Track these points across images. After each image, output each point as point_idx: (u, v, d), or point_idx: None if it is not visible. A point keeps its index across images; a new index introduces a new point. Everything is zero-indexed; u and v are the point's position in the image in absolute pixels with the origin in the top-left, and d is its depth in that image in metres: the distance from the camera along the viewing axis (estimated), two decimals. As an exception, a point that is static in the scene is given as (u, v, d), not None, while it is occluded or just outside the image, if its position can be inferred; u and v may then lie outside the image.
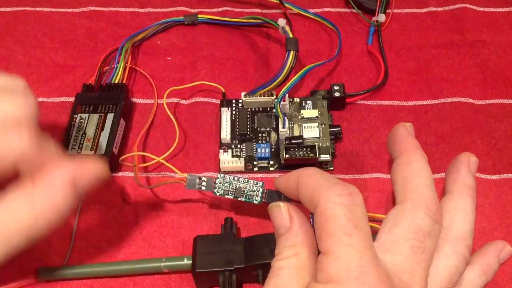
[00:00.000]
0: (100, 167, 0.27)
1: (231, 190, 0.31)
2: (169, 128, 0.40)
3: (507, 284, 0.33)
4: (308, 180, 0.25)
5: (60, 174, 0.25)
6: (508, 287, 0.33)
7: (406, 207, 0.25)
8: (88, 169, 0.27)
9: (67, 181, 0.25)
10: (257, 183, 0.31)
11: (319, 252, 0.23)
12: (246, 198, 0.31)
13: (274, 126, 0.39)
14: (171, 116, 0.37)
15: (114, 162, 0.37)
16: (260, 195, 0.31)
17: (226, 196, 0.31)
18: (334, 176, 0.25)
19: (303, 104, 0.39)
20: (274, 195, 0.29)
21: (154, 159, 0.35)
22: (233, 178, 0.32)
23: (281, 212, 0.27)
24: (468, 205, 0.27)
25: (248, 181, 0.31)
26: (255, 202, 0.31)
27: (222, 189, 0.31)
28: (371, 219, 0.34)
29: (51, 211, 0.25)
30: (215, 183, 0.32)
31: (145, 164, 0.36)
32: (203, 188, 0.32)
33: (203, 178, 0.32)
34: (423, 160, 0.27)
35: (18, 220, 0.25)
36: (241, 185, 0.31)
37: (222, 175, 0.32)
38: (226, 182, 0.31)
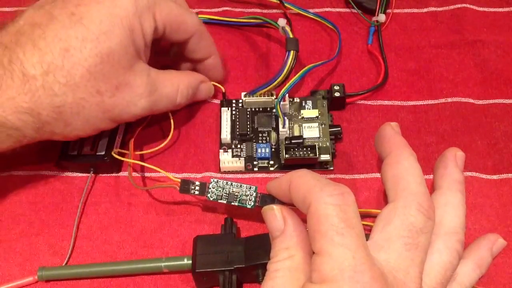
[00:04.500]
0: (211, 91, 0.41)
1: (224, 195, 0.31)
2: (168, 127, 0.39)
3: (507, 284, 0.33)
4: (300, 182, 0.25)
5: (194, 77, 0.38)
6: (508, 287, 0.33)
7: (398, 205, 0.25)
8: (206, 86, 0.40)
9: (195, 83, 0.38)
10: (250, 187, 0.31)
11: (313, 253, 0.24)
12: (239, 202, 0.31)
13: (274, 126, 0.39)
14: (170, 114, 0.38)
15: (114, 163, 0.37)
16: (253, 199, 0.31)
17: (219, 201, 0.32)
18: (326, 177, 0.25)
19: (303, 104, 0.39)
20: (268, 199, 0.29)
21: (151, 152, 0.37)
22: (226, 182, 0.32)
23: (275, 215, 0.27)
24: (458, 199, 0.27)
25: (241, 185, 0.31)
26: (248, 206, 0.31)
27: (215, 193, 0.32)
28: (367, 215, 0.34)
29: (183, 92, 0.37)
30: (208, 187, 0.32)
31: (141, 162, 0.36)
32: (196, 193, 0.32)
33: (196, 183, 0.32)
34: (412, 158, 0.27)
35: (169, 92, 0.35)
36: (234, 189, 0.31)
37: (215, 180, 0.32)
38: (219, 186, 0.32)
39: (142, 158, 0.38)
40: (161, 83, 0.35)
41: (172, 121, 0.38)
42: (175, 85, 0.36)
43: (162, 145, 0.37)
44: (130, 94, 0.33)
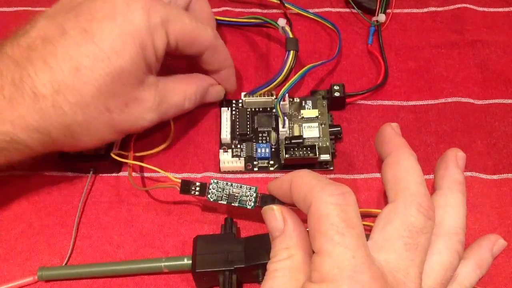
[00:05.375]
0: (221, 94, 0.40)
1: (224, 195, 0.31)
2: (169, 127, 0.39)
3: (507, 284, 0.33)
4: (301, 182, 0.25)
5: (202, 82, 0.38)
6: (508, 287, 0.33)
7: (398, 205, 0.25)
8: (215, 89, 0.39)
9: (203, 87, 0.38)
10: (250, 188, 0.31)
11: (313, 253, 0.24)
12: (239, 203, 0.31)
13: (274, 126, 0.39)
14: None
15: (114, 163, 0.37)
16: (253, 200, 0.31)
17: (219, 202, 0.32)
18: (327, 177, 0.25)
19: (303, 104, 0.39)
20: (268, 199, 0.29)
21: (150, 153, 0.37)
22: (226, 183, 0.32)
23: (275, 215, 0.27)
24: (458, 200, 0.27)
25: (241, 186, 0.31)
26: (248, 207, 0.31)
27: (215, 194, 0.32)
28: (367, 215, 0.34)
29: (191, 98, 0.36)
30: (208, 188, 0.32)
31: (141, 163, 0.36)
32: (196, 193, 0.32)
33: (197, 184, 0.32)
34: (412, 158, 0.27)
35: (177, 101, 0.35)
36: (234, 190, 0.31)
37: (215, 181, 0.32)
38: (220, 187, 0.32)
39: (142, 159, 0.38)
40: (169, 92, 0.35)
41: (172, 126, 0.38)
42: (182, 92, 0.36)
43: (161, 147, 0.37)
44: (139, 109, 0.33)
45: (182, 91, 0.36)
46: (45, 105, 0.30)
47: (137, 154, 0.37)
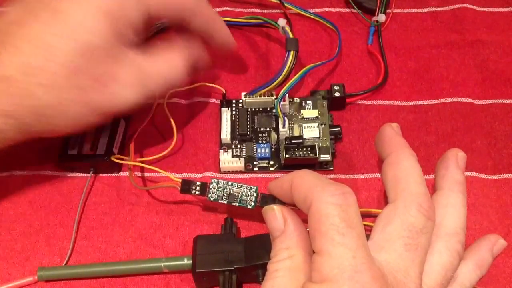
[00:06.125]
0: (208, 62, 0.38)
1: (225, 195, 0.31)
2: (168, 128, 0.39)
3: (507, 284, 0.33)
4: (302, 181, 0.25)
5: (189, 52, 0.35)
6: (508, 287, 0.33)
7: (398, 205, 0.25)
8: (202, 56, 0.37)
9: (191, 58, 0.35)
10: (250, 187, 0.31)
11: (313, 253, 0.24)
12: (239, 203, 0.31)
13: (274, 126, 0.39)
14: (171, 119, 0.37)
15: (114, 163, 0.37)
16: (253, 200, 0.31)
17: (220, 201, 0.32)
18: (327, 177, 0.25)
19: (303, 104, 0.39)
20: (268, 199, 0.29)
21: (152, 159, 0.36)
22: (227, 183, 0.32)
23: (275, 215, 0.27)
24: (459, 200, 0.27)
25: (242, 185, 0.31)
26: (249, 207, 0.31)
27: (216, 194, 0.32)
28: (367, 215, 0.34)
29: (178, 66, 0.34)
30: (208, 188, 0.32)
31: (141, 164, 0.36)
32: (197, 193, 0.32)
33: (197, 183, 0.32)
34: (413, 158, 0.27)
35: (161, 72, 0.33)
36: (234, 190, 0.31)
37: (216, 180, 0.32)
38: (220, 187, 0.32)
39: (143, 160, 0.38)
40: (152, 67, 0.33)
41: (174, 127, 0.37)
42: (167, 63, 0.33)
43: (165, 152, 0.37)
44: (117, 87, 0.31)
45: (168, 63, 0.34)
46: (18, 89, 0.29)
47: (140, 160, 0.37)
